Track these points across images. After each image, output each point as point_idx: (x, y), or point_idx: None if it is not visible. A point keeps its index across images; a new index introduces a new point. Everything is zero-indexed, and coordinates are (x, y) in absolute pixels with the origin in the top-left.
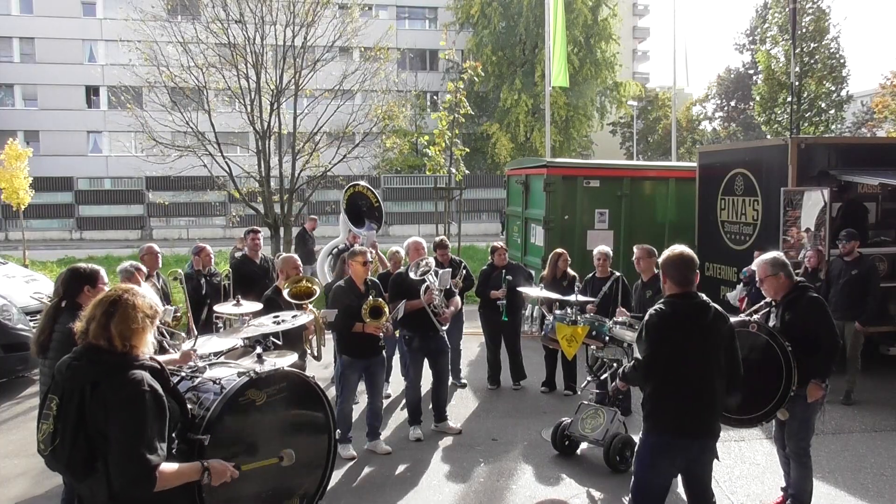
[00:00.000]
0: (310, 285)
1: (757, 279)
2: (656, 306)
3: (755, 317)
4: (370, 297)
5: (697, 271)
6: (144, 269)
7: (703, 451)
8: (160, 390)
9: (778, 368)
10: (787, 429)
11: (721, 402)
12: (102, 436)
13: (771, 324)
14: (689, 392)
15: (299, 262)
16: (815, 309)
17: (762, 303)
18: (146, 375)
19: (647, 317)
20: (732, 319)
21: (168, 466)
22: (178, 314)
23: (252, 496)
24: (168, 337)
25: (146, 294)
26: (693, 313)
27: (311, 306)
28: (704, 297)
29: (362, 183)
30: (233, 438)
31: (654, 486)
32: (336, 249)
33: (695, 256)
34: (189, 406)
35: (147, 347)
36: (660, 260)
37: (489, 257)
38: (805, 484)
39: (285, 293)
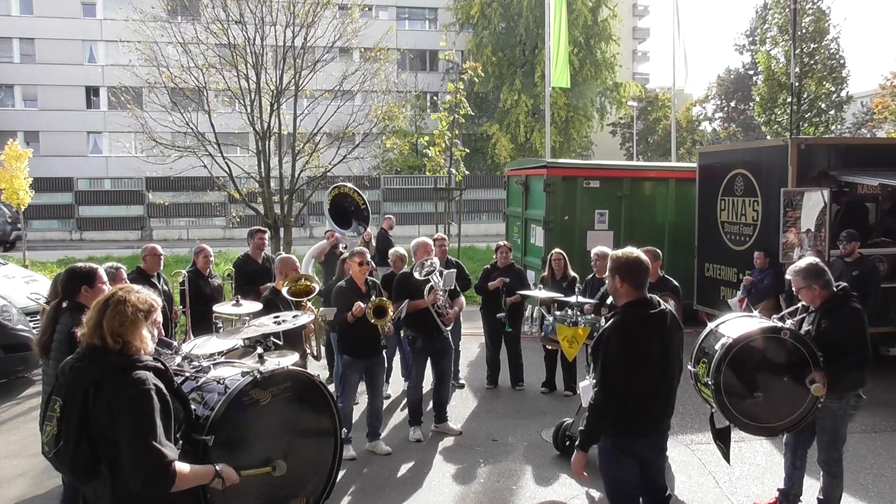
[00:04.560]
0: (309, 283)
1: (794, 289)
2: (616, 318)
3: (788, 322)
4: (372, 296)
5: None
6: (124, 267)
7: (658, 448)
8: (164, 390)
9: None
10: (818, 440)
11: (674, 402)
12: (106, 438)
13: (804, 329)
14: (644, 398)
15: (298, 263)
16: (854, 321)
17: (798, 305)
18: (150, 375)
19: (606, 330)
20: (764, 325)
21: (184, 466)
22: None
23: (257, 497)
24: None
25: (142, 290)
26: (653, 321)
27: (310, 304)
28: (661, 303)
29: (348, 185)
30: (237, 438)
31: (623, 482)
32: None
33: (648, 261)
34: (194, 406)
35: (143, 342)
36: (612, 263)
37: (494, 255)
38: (835, 492)
39: (284, 291)
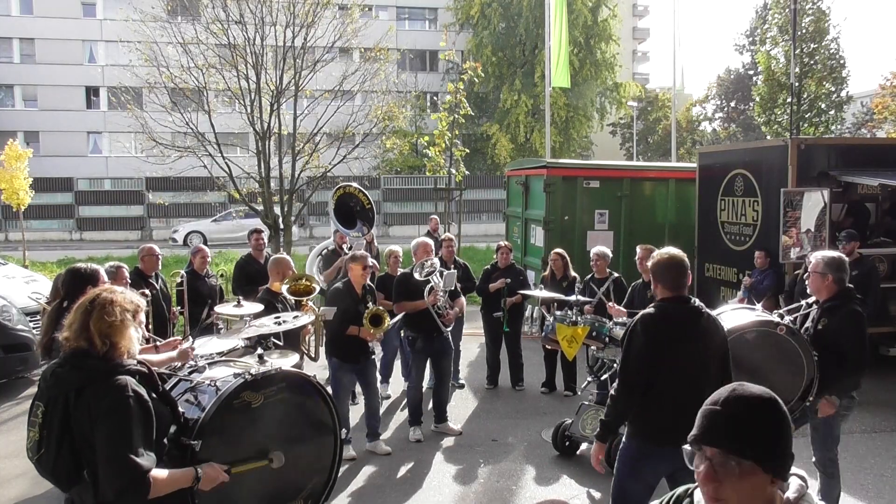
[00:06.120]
0: (309, 283)
1: (808, 270)
2: (646, 310)
3: (787, 318)
4: (369, 303)
5: (689, 274)
6: (126, 266)
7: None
8: (145, 396)
9: (799, 376)
10: (812, 440)
11: None
12: (88, 444)
13: (805, 325)
14: (675, 400)
15: (292, 263)
16: (851, 322)
17: (802, 302)
18: (130, 381)
19: (634, 321)
20: (762, 317)
21: (161, 472)
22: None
23: (254, 500)
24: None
25: (125, 291)
26: (685, 318)
27: (311, 304)
28: (698, 301)
29: (354, 184)
30: (228, 443)
31: (634, 491)
32: (326, 251)
33: (686, 259)
34: (186, 407)
35: (130, 343)
36: (649, 264)
37: (494, 255)
38: (833, 492)
39: (284, 290)
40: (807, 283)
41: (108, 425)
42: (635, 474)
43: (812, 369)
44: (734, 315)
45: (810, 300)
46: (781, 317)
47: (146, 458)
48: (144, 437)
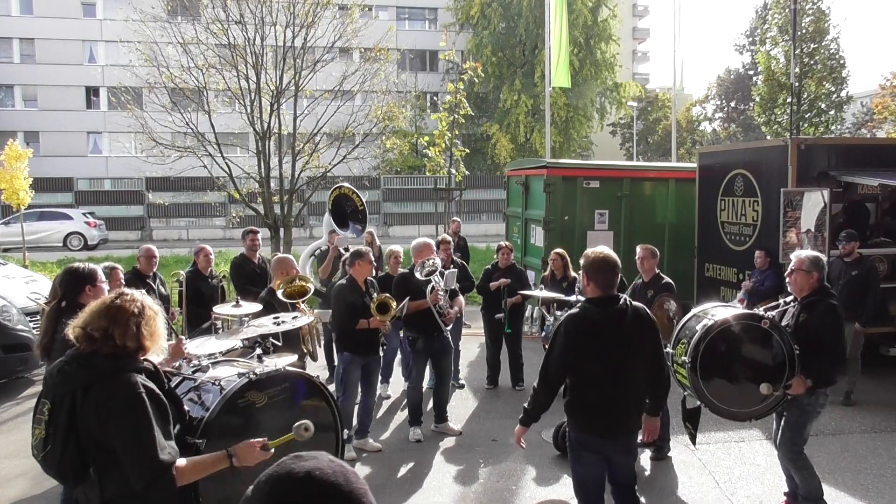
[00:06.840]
0: (304, 284)
1: (789, 269)
2: (571, 311)
3: (770, 313)
4: (373, 294)
5: (619, 274)
6: (121, 268)
7: (620, 447)
8: (157, 389)
9: (781, 369)
10: (781, 433)
11: (638, 403)
12: (94, 442)
13: (784, 322)
14: (598, 395)
15: (295, 263)
16: (830, 317)
17: (781, 300)
18: (139, 378)
19: (560, 321)
20: (746, 311)
21: (186, 462)
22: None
23: None
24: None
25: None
26: (607, 319)
27: (304, 306)
28: (626, 300)
29: (346, 185)
30: (232, 442)
31: (585, 475)
32: (318, 251)
33: (617, 260)
34: (189, 406)
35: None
36: (582, 262)
37: (494, 255)
38: (811, 483)
39: (279, 293)
40: (789, 281)
41: (125, 424)
42: (579, 459)
43: (794, 362)
44: (722, 310)
45: (788, 298)
46: (767, 311)
47: (168, 451)
48: (164, 430)
